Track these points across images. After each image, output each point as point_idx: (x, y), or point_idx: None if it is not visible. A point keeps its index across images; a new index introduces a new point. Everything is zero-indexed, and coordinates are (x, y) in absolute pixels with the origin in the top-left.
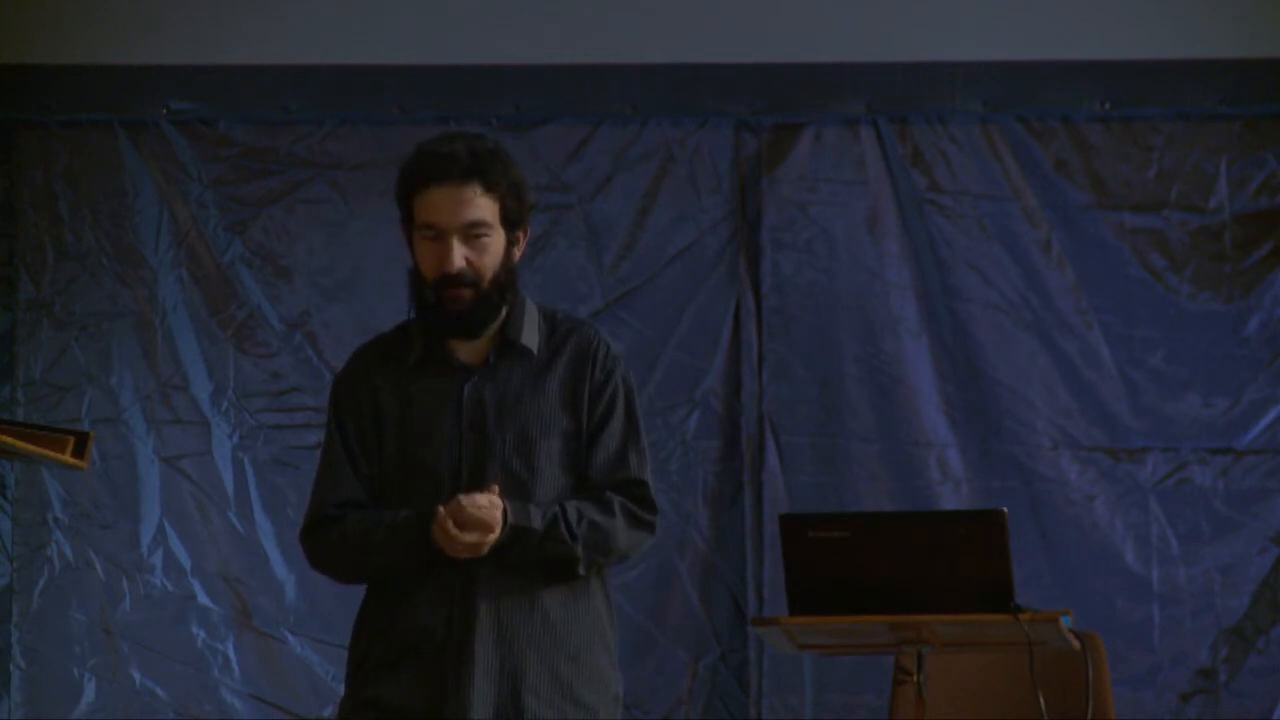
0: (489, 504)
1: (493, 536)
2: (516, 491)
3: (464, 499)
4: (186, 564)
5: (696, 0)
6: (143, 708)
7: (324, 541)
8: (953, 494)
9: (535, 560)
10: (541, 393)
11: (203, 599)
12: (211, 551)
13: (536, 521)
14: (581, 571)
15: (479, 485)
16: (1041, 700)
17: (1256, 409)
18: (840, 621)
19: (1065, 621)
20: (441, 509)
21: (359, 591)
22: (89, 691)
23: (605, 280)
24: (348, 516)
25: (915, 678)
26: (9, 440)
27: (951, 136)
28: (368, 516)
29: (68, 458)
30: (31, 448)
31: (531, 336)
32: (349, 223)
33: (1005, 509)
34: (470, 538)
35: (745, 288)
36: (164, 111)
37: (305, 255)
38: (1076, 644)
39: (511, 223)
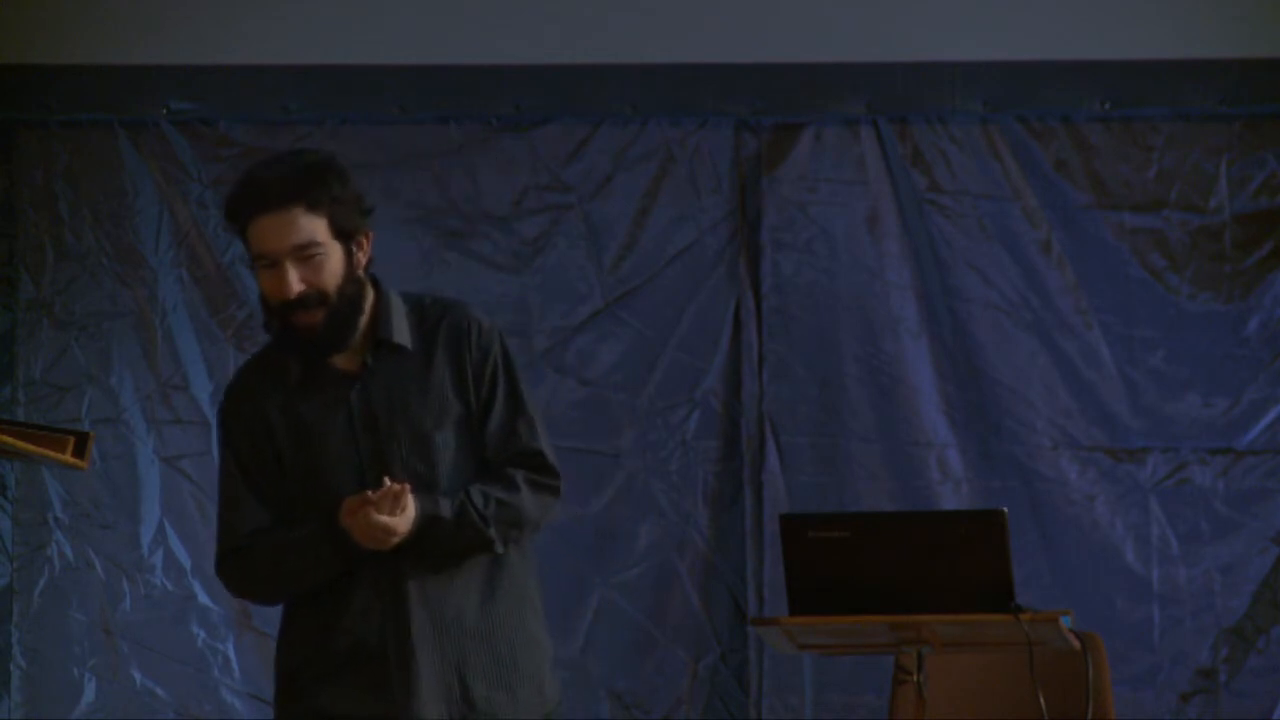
0: (399, 488)
1: (405, 520)
2: (421, 488)
3: (369, 493)
4: (187, 564)
5: (696, 0)
6: (143, 708)
7: (238, 571)
8: (953, 494)
9: (452, 550)
10: (426, 385)
11: (203, 599)
12: (212, 551)
13: (445, 510)
14: (499, 550)
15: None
16: (1041, 700)
17: (1256, 409)
18: (840, 621)
19: (1065, 621)
20: (350, 498)
21: None
22: (89, 691)
23: (605, 280)
24: (257, 542)
25: (915, 678)
26: (9, 440)
27: (951, 136)
28: (276, 536)
29: (68, 458)
30: (31, 448)
31: (403, 333)
32: None
33: (1005, 509)
34: (384, 519)
35: (745, 288)
36: (164, 111)
37: None
38: (1076, 644)
39: (346, 233)
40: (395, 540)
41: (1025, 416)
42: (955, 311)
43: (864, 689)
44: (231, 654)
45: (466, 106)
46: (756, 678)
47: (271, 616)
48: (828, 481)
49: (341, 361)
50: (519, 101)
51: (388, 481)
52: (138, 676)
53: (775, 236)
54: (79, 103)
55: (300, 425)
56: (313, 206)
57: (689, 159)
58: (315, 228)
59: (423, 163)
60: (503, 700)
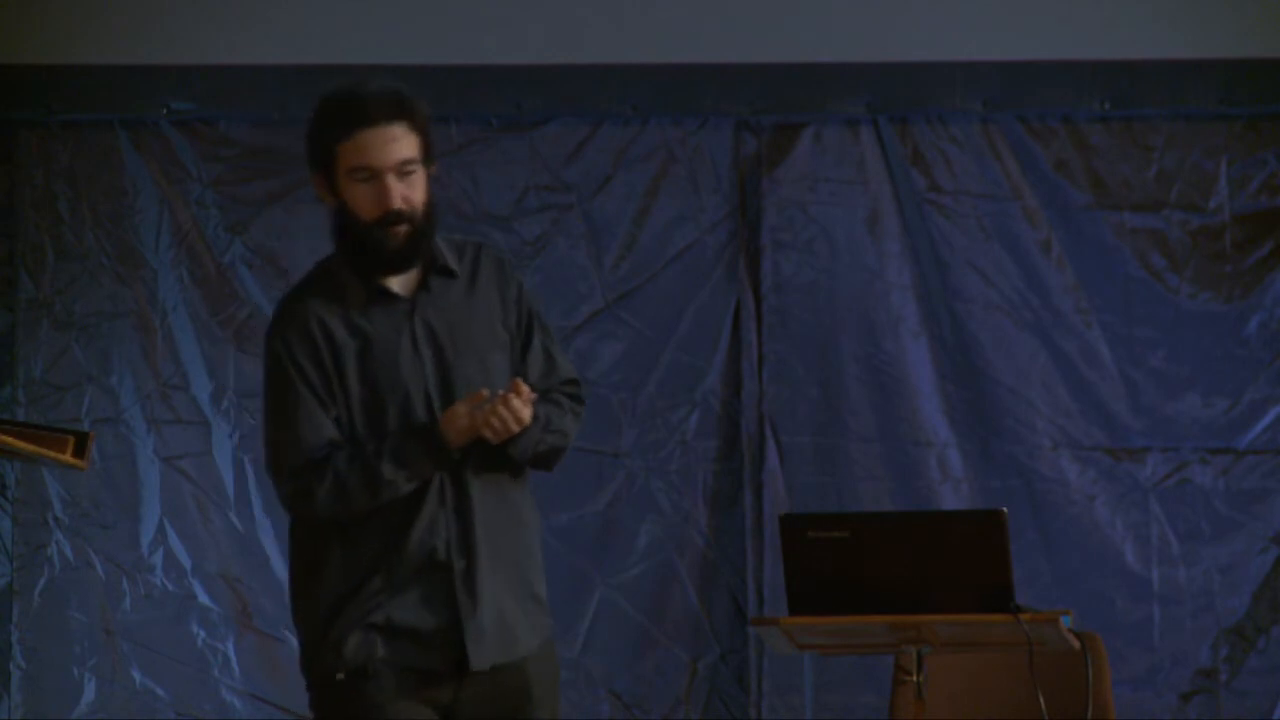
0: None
1: (528, 411)
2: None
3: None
4: (187, 564)
5: (696, 0)
6: (143, 708)
7: (321, 483)
8: (953, 494)
9: (519, 459)
10: (477, 310)
11: (203, 599)
12: (212, 551)
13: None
14: (549, 469)
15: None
16: (1041, 700)
17: (1256, 409)
18: (840, 621)
19: (1065, 621)
20: (485, 392)
21: None
22: (89, 691)
23: (605, 280)
24: (335, 455)
25: (915, 678)
26: (9, 440)
27: (951, 136)
28: (358, 450)
29: (68, 458)
30: (31, 448)
31: (453, 259)
32: None
33: (1005, 509)
34: (518, 404)
35: (745, 288)
36: (164, 111)
37: (305, 255)
38: (1076, 644)
39: (429, 158)
40: (516, 430)
41: (1025, 416)
42: (955, 311)
43: (864, 689)
44: (231, 654)
45: (466, 106)
46: (756, 678)
47: (273, 617)
48: (828, 481)
49: (397, 285)
50: (519, 101)
51: (486, 393)
52: (138, 676)
53: (775, 236)
54: (79, 103)
55: (366, 343)
56: (413, 125)
57: (689, 159)
58: (414, 146)
59: None
60: (529, 618)
